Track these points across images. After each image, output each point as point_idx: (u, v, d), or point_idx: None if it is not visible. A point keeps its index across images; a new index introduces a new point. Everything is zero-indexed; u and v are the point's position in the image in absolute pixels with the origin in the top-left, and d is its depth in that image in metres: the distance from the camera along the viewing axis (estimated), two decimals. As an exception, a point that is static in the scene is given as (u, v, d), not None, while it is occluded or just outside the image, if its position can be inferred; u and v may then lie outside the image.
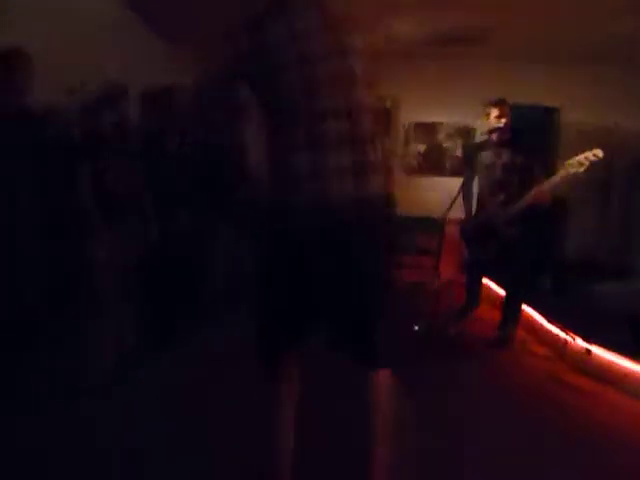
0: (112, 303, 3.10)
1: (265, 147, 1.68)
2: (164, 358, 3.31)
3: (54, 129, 3.27)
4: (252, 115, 1.73)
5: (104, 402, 2.73)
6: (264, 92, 1.66)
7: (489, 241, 3.87)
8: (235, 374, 2.84)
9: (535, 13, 4.23)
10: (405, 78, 5.85)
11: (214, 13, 4.23)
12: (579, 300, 4.31)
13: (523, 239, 3.79)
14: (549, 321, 3.90)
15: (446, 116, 6.12)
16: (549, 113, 5.83)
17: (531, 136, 4.00)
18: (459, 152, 6.18)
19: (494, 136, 3.84)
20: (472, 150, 4.21)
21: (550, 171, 3.67)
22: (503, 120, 3.78)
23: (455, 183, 4.17)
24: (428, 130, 6.20)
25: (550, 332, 3.84)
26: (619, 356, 3.20)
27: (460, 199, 4.00)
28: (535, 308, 4.13)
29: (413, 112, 6.13)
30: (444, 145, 6.21)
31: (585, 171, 3.46)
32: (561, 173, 3.54)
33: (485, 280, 4.75)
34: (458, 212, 4.03)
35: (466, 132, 6.13)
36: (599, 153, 3.46)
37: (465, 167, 4.34)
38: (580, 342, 3.46)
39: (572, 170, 3.48)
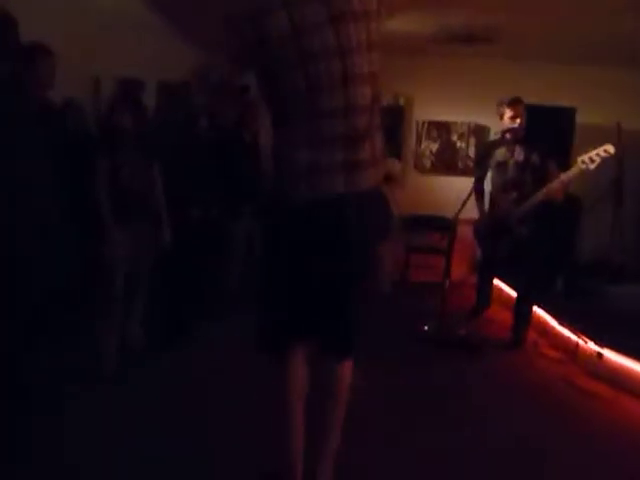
0: (122, 302, 3.12)
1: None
2: (173, 356, 3.34)
3: (73, 123, 3.30)
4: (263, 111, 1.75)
5: (108, 398, 2.76)
6: (267, 86, 1.69)
7: (502, 240, 3.85)
8: (245, 373, 2.86)
9: (550, 12, 4.18)
10: (419, 76, 5.83)
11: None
12: (592, 302, 4.27)
13: (536, 238, 3.77)
14: (561, 323, 3.87)
15: (459, 115, 6.08)
16: (563, 112, 5.78)
17: (545, 135, 3.96)
18: (472, 151, 6.14)
19: (508, 135, 3.82)
20: (485, 149, 4.18)
21: (563, 170, 3.64)
22: (517, 120, 3.75)
23: (467, 182, 4.15)
24: (441, 129, 6.16)
25: (562, 335, 3.81)
26: (633, 360, 3.17)
27: (472, 199, 3.98)
28: (547, 310, 4.10)
29: (426, 111, 6.10)
30: (457, 144, 6.18)
31: (596, 167, 3.47)
32: (573, 170, 3.53)
33: (496, 281, 4.73)
34: (470, 212, 4.01)
35: (479, 131, 6.09)
36: (610, 149, 3.46)
37: (478, 166, 4.32)
38: (592, 345, 3.43)
39: (583, 166, 3.48)
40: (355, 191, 1.68)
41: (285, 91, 1.65)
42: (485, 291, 4.38)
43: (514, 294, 4.11)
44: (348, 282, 1.79)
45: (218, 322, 3.91)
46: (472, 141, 6.16)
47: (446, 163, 6.20)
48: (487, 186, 4.07)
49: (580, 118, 5.78)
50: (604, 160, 3.49)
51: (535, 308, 4.02)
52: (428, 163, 6.20)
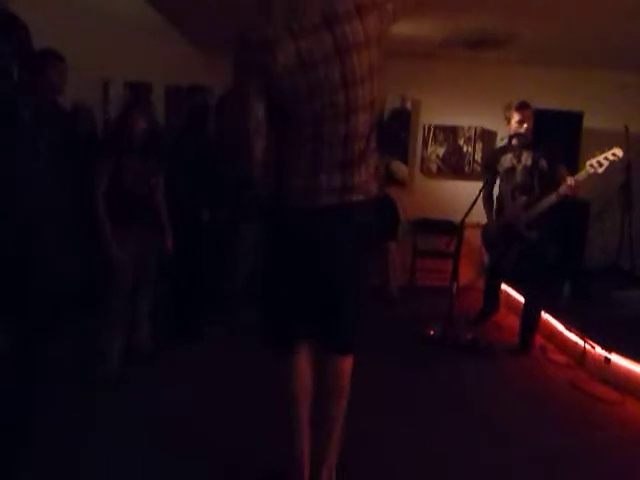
0: (129, 304, 3.14)
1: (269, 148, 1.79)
2: (180, 357, 3.35)
3: (83, 126, 3.33)
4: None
5: (111, 400, 2.78)
6: (272, 110, 1.69)
7: (510, 245, 3.85)
8: (253, 373, 2.87)
9: (558, 17, 4.18)
10: (426, 80, 5.83)
11: (235, 18, 4.28)
12: (600, 307, 4.25)
13: (544, 243, 3.76)
14: (568, 328, 3.85)
15: (466, 119, 6.07)
16: (571, 116, 5.76)
17: (553, 140, 3.95)
18: (479, 156, 6.13)
19: (515, 140, 3.82)
20: (493, 154, 4.17)
21: (572, 174, 3.64)
22: (525, 125, 3.75)
23: (474, 187, 4.15)
24: (448, 133, 6.16)
25: (569, 339, 3.79)
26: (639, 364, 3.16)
27: (479, 203, 3.98)
28: (555, 314, 4.09)
29: (433, 115, 6.09)
30: (464, 148, 6.17)
31: (604, 171, 3.46)
32: (581, 174, 3.52)
33: (504, 286, 4.72)
34: (477, 216, 4.01)
35: (486, 136, 6.08)
36: (619, 152, 3.46)
37: (485, 171, 4.31)
38: (599, 350, 3.41)
39: (592, 170, 3.47)
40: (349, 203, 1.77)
41: (290, 120, 1.70)
42: (493, 296, 4.38)
43: (522, 299, 4.10)
44: (345, 282, 1.86)
45: (227, 323, 3.93)
46: (479, 145, 6.15)
47: (453, 167, 6.19)
48: (494, 191, 4.08)
49: (587, 122, 5.76)
50: (612, 164, 3.49)
51: (543, 313, 4.00)
52: (435, 167, 6.19)
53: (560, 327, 3.95)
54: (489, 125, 5.96)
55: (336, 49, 1.63)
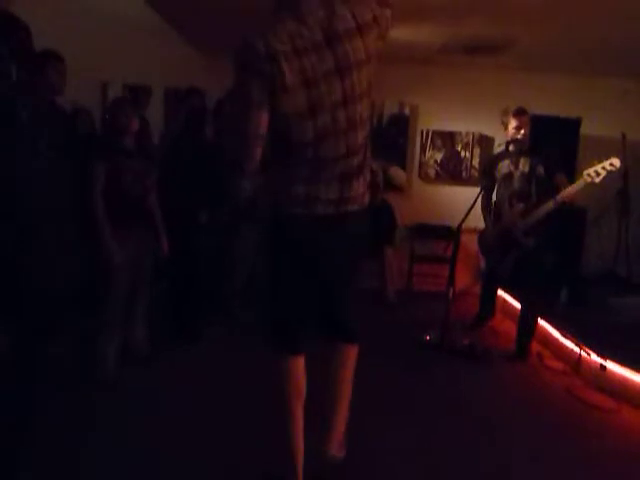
0: (125, 306, 3.13)
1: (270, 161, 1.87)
2: (177, 359, 3.34)
3: (82, 127, 3.33)
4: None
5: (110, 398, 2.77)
6: (273, 124, 1.72)
7: (507, 252, 3.85)
8: (250, 374, 2.86)
9: (556, 23, 4.19)
10: (424, 86, 5.84)
11: (235, 21, 4.28)
12: (597, 313, 4.26)
13: (541, 249, 3.76)
14: (564, 335, 3.85)
15: (464, 125, 6.09)
16: (568, 123, 5.77)
17: (550, 146, 3.96)
18: (476, 161, 6.15)
19: (512, 147, 3.83)
20: (490, 161, 4.18)
21: (569, 181, 3.65)
22: (522, 131, 3.76)
23: (472, 192, 4.16)
24: (445, 138, 6.17)
25: (566, 346, 3.79)
26: (636, 372, 3.15)
27: (476, 208, 3.98)
28: (551, 321, 4.09)
29: (431, 120, 6.11)
30: (462, 154, 6.19)
31: (601, 181, 3.47)
32: (579, 183, 3.53)
33: (501, 292, 4.72)
34: (474, 222, 4.01)
35: (484, 141, 6.10)
36: (616, 162, 3.47)
37: (483, 177, 4.32)
38: (595, 357, 3.42)
39: (589, 179, 3.48)
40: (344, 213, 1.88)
41: (292, 134, 1.73)
42: (489, 301, 4.38)
43: (518, 305, 4.10)
44: (342, 285, 2.02)
45: (225, 324, 3.94)
46: (476, 151, 6.16)
47: (450, 173, 6.20)
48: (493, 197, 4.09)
49: (585, 129, 5.78)
50: (610, 174, 3.50)
51: (539, 319, 4.00)
52: (432, 172, 6.20)
53: (556, 334, 3.95)
54: (487, 131, 5.98)
55: (337, 67, 1.68)
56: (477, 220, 4.07)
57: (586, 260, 5.55)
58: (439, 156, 6.21)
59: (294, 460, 1.97)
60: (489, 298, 4.37)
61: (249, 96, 1.65)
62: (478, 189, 4.06)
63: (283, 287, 1.95)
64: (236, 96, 1.71)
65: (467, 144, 6.18)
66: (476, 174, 6.06)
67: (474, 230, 4.16)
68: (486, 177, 4.10)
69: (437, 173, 6.22)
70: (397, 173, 5.61)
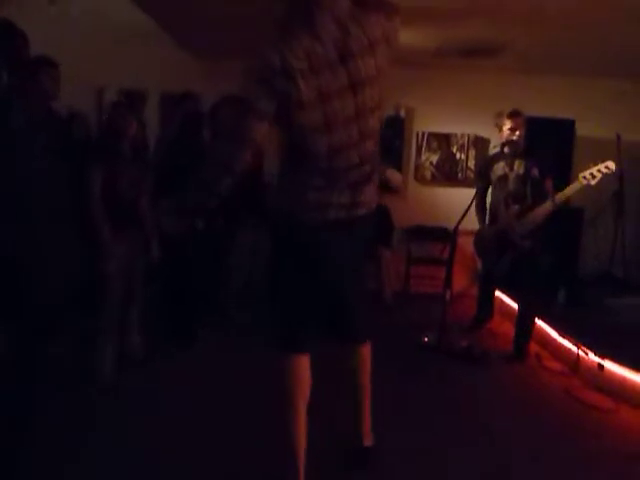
0: (119, 308, 3.13)
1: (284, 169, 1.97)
2: (173, 363, 3.34)
3: (78, 133, 3.33)
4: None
5: (105, 406, 2.77)
6: (289, 137, 1.81)
7: (503, 253, 3.86)
8: (245, 379, 2.87)
9: (550, 25, 4.21)
10: (419, 88, 5.86)
11: (229, 27, 4.30)
12: (594, 314, 4.27)
13: (537, 250, 3.77)
14: (562, 335, 3.86)
15: (459, 127, 6.11)
16: (563, 124, 5.80)
17: (546, 148, 3.97)
18: (472, 163, 6.17)
19: (507, 148, 3.84)
20: (486, 162, 4.19)
21: (564, 183, 3.66)
22: (517, 133, 3.77)
23: (468, 193, 4.17)
24: (441, 140, 6.19)
25: (564, 347, 3.80)
26: (634, 371, 3.17)
27: (473, 210, 3.99)
28: (549, 322, 4.10)
29: (426, 122, 6.13)
30: (457, 155, 6.21)
31: (597, 183, 3.48)
32: (574, 185, 3.54)
33: (498, 293, 4.73)
34: (470, 223, 4.02)
35: (479, 143, 6.12)
36: (611, 165, 3.48)
37: (478, 178, 4.33)
38: (593, 357, 3.43)
39: (585, 182, 3.50)
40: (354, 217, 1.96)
41: (307, 148, 1.80)
42: (486, 303, 4.38)
43: (516, 306, 4.11)
44: (351, 287, 2.09)
45: (220, 327, 3.94)
46: (472, 153, 6.18)
47: (446, 174, 6.22)
48: (488, 199, 4.10)
49: (580, 130, 5.81)
50: (605, 176, 3.51)
51: (537, 320, 4.01)
52: (428, 174, 6.21)
53: (554, 334, 3.96)
54: (482, 132, 6.00)
55: (350, 83, 1.74)
56: (474, 222, 4.08)
57: (583, 261, 5.57)
58: (435, 158, 6.23)
59: (296, 458, 1.99)
60: (486, 300, 4.38)
61: (257, 106, 1.68)
62: (474, 191, 4.08)
63: (290, 288, 1.99)
64: (244, 103, 1.74)
65: (463, 146, 6.20)
66: (472, 176, 6.07)
67: (471, 232, 4.17)
68: (481, 178, 4.11)
69: (433, 175, 6.24)
70: (393, 176, 5.59)
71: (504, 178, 3.86)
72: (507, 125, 3.80)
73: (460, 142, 6.19)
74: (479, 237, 4.10)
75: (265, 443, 2.15)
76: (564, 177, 3.82)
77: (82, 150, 3.19)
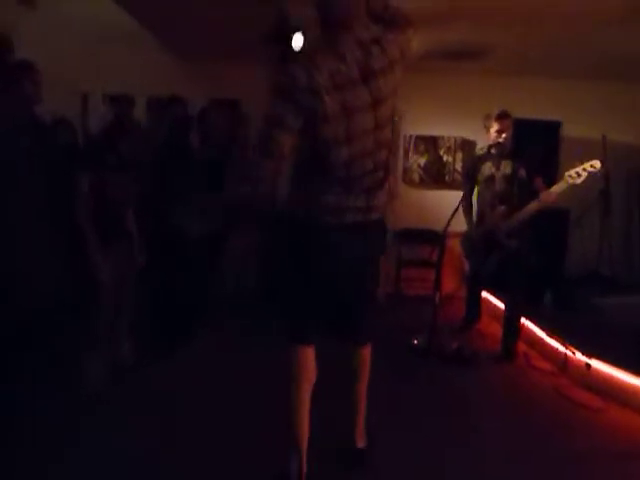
0: (110, 317, 3.11)
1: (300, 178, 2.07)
2: (164, 369, 3.32)
3: (64, 138, 3.30)
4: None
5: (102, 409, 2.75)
6: (310, 134, 1.87)
7: (489, 253, 3.87)
8: (238, 382, 2.85)
9: (535, 28, 4.25)
10: (407, 92, 5.86)
11: (219, 30, 4.29)
12: (581, 313, 4.30)
13: (524, 250, 3.79)
14: (550, 335, 3.88)
15: (446, 130, 6.14)
16: (548, 126, 5.86)
17: (532, 149, 4.00)
18: (459, 165, 6.20)
19: (494, 150, 3.86)
20: (473, 163, 4.21)
21: (550, 183, 3.68)
22: (504, 135, 3.79)
23: (456, 196, 4.18)
24: (428, 143, 6.22)
25: (551, 346, 3.82)
26: (621, 370, 3.19)
27: (460, 212, 4.00)
28: (536, 322, 4.12)
29: (414, 125, 6.16)
30: (444, 158, 6.24)
31: (583, 182, 3.51)
32: (560, 184, 3.56)
33: (486, 294, 4.75)
34: (459, 225, 4.03)
35: (466, 145, 6.16)
36: (597, 164, 3.51)
37: (465, 180, 4.35)
38: (580, 356, 3.45)
39: (571, 181, 3.52)
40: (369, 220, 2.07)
41: (329, 158, 1.91)
42: (475, 304, 4.40)
43: (503, 307, 4.13)
44: (361, 289, 2.20)
45: (212, 333, 3.93)
46: (459, 155, 6.22)
47: (434, 177, 6.25)
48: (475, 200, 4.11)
49: (565, 131, 5.87)
50: (591, 175, 3.54)
51: (524, 320, 4.03)
52: (417, 177, 6.24)
53: (542, 334, 3.99)
54: (469, 135, 6.04)
55: (372, 101, 1.88)
56: (462, 224, 4.09)
57: (569, 261, 5.61)
58: (422, 161, 6.26)
59: (299, 445, 2.08)
60: (474, 301, 4.39)
61: (284, 121, 1.80)
62: (461, 193, 4.09)
63: (301, 286, 2.08)
64: (271, 119, 1.83)
65: (449, 148, 6.23)
66: (459, 178, 6.10)
67: (460, 234, 4.18)
68: (469, 179, 4.13)
69: (421, 177, 6.26)
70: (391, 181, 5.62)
71: (491, 178, 3.88)
72: (494, 127, 3.83)
73: (447, 145, 6.23)
74: (466, 238, 4.11)
75: (265, 443, 2.17)
76: (550, 178, 3.84)
77: (68, 156, 3.16)
